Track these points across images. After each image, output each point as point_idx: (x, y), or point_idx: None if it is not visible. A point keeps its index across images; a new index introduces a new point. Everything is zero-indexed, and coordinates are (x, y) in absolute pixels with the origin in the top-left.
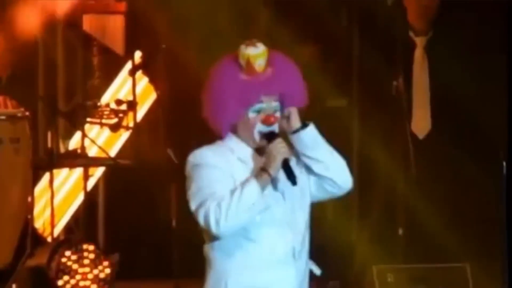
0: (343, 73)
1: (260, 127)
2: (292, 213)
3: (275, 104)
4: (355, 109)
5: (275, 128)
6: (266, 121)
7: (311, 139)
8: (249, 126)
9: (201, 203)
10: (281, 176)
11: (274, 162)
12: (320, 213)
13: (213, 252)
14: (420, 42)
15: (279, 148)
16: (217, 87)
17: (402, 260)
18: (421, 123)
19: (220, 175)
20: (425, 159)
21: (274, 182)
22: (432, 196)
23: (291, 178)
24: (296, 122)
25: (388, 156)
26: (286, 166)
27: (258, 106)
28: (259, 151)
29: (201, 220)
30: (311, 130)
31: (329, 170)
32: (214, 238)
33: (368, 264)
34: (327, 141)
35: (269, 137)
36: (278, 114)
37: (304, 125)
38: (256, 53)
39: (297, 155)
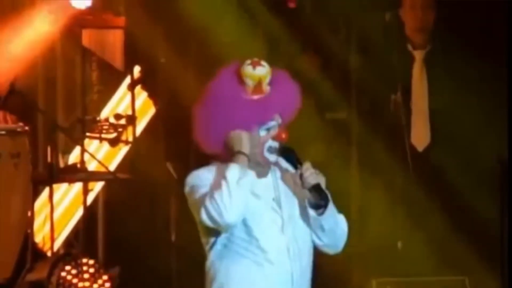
0: (342, 86)
1: (270, 143)
2: (292, 236)
3: (280, 119)
4: (354, 122)
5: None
6: (279, 138)
7: (321, 225)
8: (260, 144)
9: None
10: (284, 204)
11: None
12: None
13: (215, 270)
14: (418, 55)
15: (313, 175)
16: (224, 109)
17: (401, 273)
18: (420, 135)
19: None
20: (424, 172)
21: (275, 214)
22: (431, 209)
23: (324, 198)
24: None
25: (387, 169)
26: (318, 190)
27: (271, 123)
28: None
29: (206, 220)
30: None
31: (324, 245)
32: (216, 254)
33: (367, 278)
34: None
35: (285, 153)
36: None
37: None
38: (265, 73)
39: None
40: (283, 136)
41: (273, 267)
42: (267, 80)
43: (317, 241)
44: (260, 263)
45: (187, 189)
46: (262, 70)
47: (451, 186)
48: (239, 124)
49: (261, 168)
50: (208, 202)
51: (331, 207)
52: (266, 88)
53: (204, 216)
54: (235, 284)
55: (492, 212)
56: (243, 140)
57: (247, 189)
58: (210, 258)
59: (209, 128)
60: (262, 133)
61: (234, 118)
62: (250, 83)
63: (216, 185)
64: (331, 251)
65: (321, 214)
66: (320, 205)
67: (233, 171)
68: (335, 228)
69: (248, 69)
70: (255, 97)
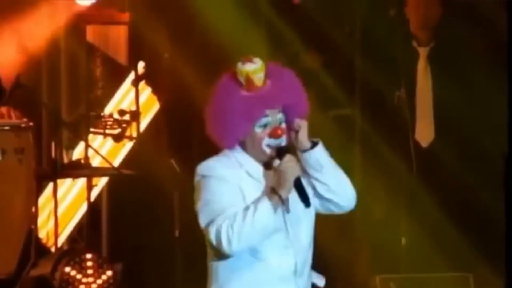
0: (346, 82)
1: (268, 141)
2: (294, 230)
3: (279, 115)
4: (358, 118)
5: (283, 140)
6: (273, 134)
7: (316, 161)
8: (256, 141)
9: (211, 220)
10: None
11: (285, 184)
12: (322, 223)
13: (217, 267)
14: (423, 52)
15: (290, 168)
16: (220, 105)
17: (405, 270)
18: (424, 131)
19: (228, 189)
20: (428, 168)
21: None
22: (434, 205)
23: (304, 199)
24: (304, 140)
25: (391, 165)
26: (298, 186)
27: (264, 120)
28: (267, 165)
29: (212, 238)
30: (317, 153)
31: (332, 192)
32: (219, 254)
33: (371, 274)
34: (330, 150)
35: (280, 152)
36: (283, 125)
37: (313, 144)
38: (254, 68)
39: (303, 169)
40: (279, 132)
41: (276, 260)
42: (258, 75)
43: (328, 205)
44: (261, 258)
45: (196, 178)
46: (250, 66)
47: (455, 183)
48: (231, 123)
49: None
50: (225, 226)
51: (327, 170)
52: (258, 83)
53: (213, 235)
54: (237, 284)
55: (496, 208)
56: (287, 184)
57: (269, 234)
58: (212, 257)
59: (213, 126)
60: (258, 130)
61: (227, 116)
62: (241, 79)
63: (240, 209)
64: (344, 206)
65: (308, 206)
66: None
67: (265, 212)
68: (334, 179)
69: (238, 65)
70: (248, 93)
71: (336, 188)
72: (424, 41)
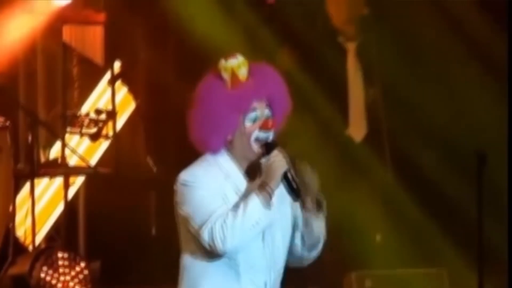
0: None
1: (257, 134)
2: (272, 248)
3: (267, 111)
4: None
5: (271, 134)
6: (264, 126)
7: (315, 227)
8: (246, 135)
9: (202, 223)
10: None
11: (273, 176)
12: None
13: (190, 265)
14: (351, 46)
15: (278, 161)
16: (206, 104)
17: (380, 266)
18: (358, 126)
19: (213, 194)
20: (402, 165)
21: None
22: (409, 201)
23: (293, 191)
24: (311, 207)
25: (366, 163)
26: (287, 180)
27: (253, 114)
28: (251, 169)
29: (206, 239)
30: (320, 221)
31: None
32: (193, 252)
33: (346, 270)
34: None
35: (268, 147)
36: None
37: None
38: (238, 63)
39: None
40: (269, 124)
41: (249, 276)
42: (242, 70)
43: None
44: (234, 264)
45: (180, 186)
46: (234, 61)
47: (430, 179)
48: (221, 117)
49: (250, 163)
50: (218, 224)
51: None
52: (243, 78)
53: (206, 235)
54: (206, 284)
55: (470, 205)
56: (276, 177)
57: (261, 229)
58: (186, 255)
59: (199, 128)
60: (248, 124)
61: (215, 112)
62: (226, 76)
63: (231, 207)
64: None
65: (297, 198)
66: (297, 195)
67: (256, 207)
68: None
69: (221, 62)
70: (233, 90)
71: (312, 245)
72: (351, 35)
